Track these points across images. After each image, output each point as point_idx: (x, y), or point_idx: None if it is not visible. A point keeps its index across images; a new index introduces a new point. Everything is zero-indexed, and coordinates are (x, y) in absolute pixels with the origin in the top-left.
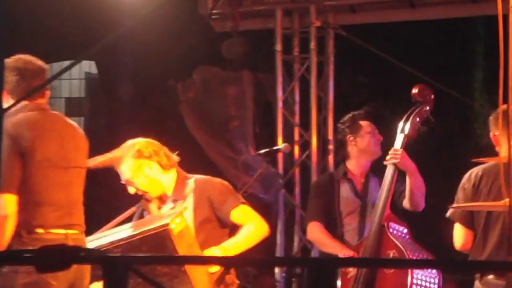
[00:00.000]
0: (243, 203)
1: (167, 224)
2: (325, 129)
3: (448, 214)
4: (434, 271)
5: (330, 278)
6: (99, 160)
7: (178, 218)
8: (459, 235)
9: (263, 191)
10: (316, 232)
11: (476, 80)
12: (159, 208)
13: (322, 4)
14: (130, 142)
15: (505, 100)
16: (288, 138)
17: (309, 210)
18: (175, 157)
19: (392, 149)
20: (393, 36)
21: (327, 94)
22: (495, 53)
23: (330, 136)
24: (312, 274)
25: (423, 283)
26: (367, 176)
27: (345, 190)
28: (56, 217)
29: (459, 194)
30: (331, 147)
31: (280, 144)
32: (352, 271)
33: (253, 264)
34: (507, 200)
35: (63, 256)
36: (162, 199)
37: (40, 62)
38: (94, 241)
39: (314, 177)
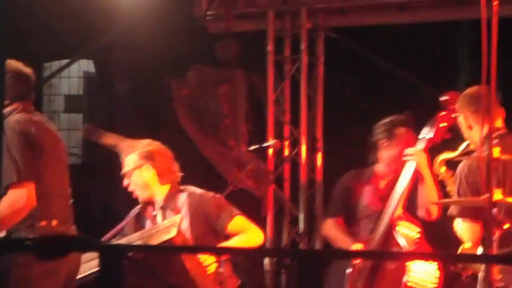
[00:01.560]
0: (237, 214)
1: (172, 238)
2: (314, 127)
3: (453, 211)
4: (435, 274)
5: (318, 268)
6: (112, 139)
7: (175, 229)
8: (470, 231)
9: (254, 186)
10: (330, 228)
11: (460, 80)
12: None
13: (312, 7)
14: (148, 141)
15: (489, 99)
16: (279, 136)
17: (329, 207)
18: (178, 175)
19: (414, 148)
20: (383, 38)
21: (316, 93)
22: (479, 55)
23: (319, 135)
24: (301, 264)
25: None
26: (393, 179)
27: (367, 193)
28: (64, 208)
29: (465, 187)
30: (319, 145)
31: (271, 141)
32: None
33: (244, 254)
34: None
35: (62, 244)
36: (152, 205)
37: (28, 68)
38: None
39: (303, 174)
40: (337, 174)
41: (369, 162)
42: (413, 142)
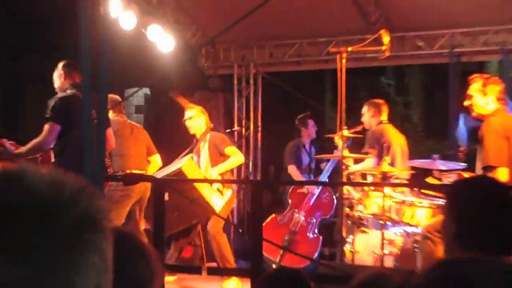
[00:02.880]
0: (230, 144)
1: (181, 167)
2: (257, 121)
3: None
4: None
5: (259, 193)
6: (184, 101)
7: (188, 161)
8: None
9: None
10: (294, 171)
11: (326, 97)
12: (198, 143)
13: (256, 62)
14: (200, 107)
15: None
16: (239, 124)
17: (288, 157)
18: (210, 125)
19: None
20: (295, 77)
21: (258, 105)
22: (335, 86)
23: (259, 124)
24: (254, 189)
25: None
26: (310, 147)
27: (302, 153)
28: (139, 164)
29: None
30: (260, 130)
31: (236, 127)
32: (304, 190)
33: (225, 182)
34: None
35: (134, 177)
36: (197, 140)
37: (116, 96)
38: (161, 172)
39: (251, 145)
40: (269, 145)
41: (297, 136)
42: (315, 127)
